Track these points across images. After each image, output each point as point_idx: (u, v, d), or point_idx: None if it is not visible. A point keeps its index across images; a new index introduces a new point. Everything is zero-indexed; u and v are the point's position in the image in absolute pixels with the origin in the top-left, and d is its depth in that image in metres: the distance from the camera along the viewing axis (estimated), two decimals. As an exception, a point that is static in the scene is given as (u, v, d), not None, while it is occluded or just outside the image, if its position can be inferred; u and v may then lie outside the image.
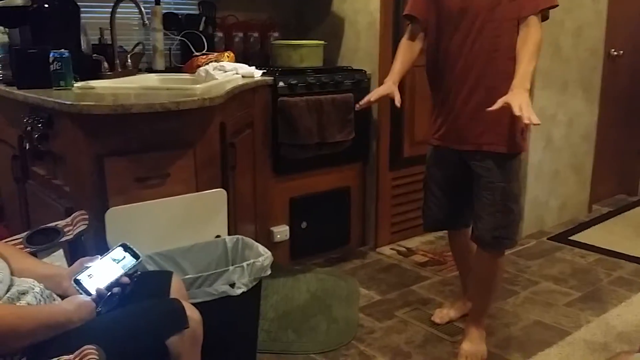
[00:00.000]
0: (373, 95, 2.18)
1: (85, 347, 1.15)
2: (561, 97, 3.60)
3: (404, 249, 3.30)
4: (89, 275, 1.37)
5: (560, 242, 3.47)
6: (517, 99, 1.82)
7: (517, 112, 1.80)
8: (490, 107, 1.88)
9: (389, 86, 2.17)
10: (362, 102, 2.19)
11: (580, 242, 3.46)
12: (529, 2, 1.95)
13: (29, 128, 1.95)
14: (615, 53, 4.03)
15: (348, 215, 3.21)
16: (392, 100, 2.14)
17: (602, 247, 3.36)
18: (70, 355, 1.15)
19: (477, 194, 2.13)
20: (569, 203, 3.84)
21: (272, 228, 2.89)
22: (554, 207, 3.72)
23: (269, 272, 1.83)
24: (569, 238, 3.52)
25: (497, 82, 2.00)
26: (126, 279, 1.39)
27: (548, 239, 3.52)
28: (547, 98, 3.49)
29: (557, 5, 2.00)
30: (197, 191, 1.98)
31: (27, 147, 2.01)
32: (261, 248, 1.94)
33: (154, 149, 1.88)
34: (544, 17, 2.01)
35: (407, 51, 2.25)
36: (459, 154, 2.17)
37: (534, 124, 1.81)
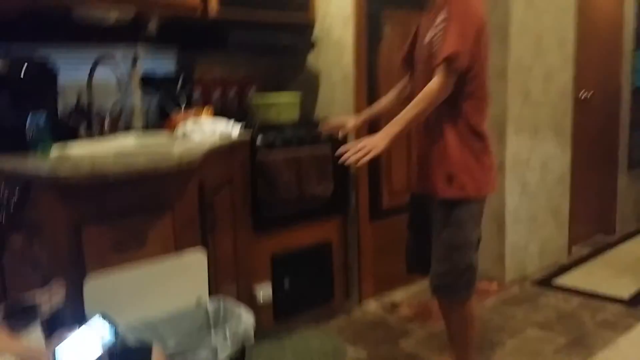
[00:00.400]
0: (331, 122, 2.45)
1: None
2: (533, 141, 3.66)
3: (388, 302, 3.27)
4: (67, 350, 1.33)
5: (543, 286, 3.47)
6: (365, 141, 1.94)
7: (341, 150, 1.93)
8: (434, 152, 2.07)
9: (348, 118, 2.41)
10: (321, 127, 2.45)
11: (563, 285, 3.47)
12: (441, 49, 2.00)
13: (5, 196, 1.93)
14: (585, 95, 4.13)
15: (331, 270, 3.17)
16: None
17: (585, 290, 3.37)
18: None
19: (430, 233, 2.19)
20: (549, 246, 3.87)
21: (254, 287, 2.84)
22: (534, 251, 3.74)
23: (252, 340, 1.80)
24: (552, 282, 3.53)
25: (438, 129, 2.10)
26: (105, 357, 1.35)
27: (531, 284, 3.53)
28: (520, 143, 3.55)
29: (459, 53, 1.98)
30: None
31: (4, 216, 1.97)
32: (243, 310, 1.90)
33: (132, 214, 1.86)
34: (456, 68, 2.00)
35: (392, 93, 2.43)
36: (421, 198, 2.25)
37: (350, 164, 1.92)
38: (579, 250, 4.11)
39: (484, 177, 2.14)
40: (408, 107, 1.99)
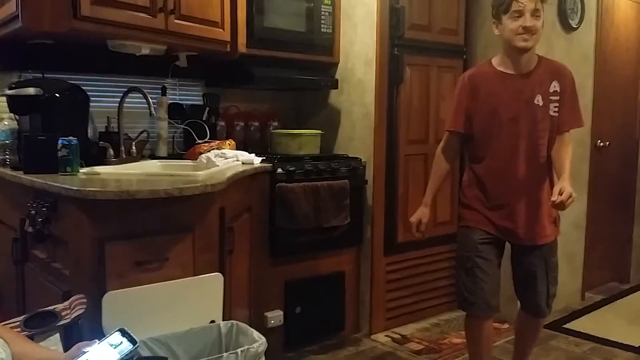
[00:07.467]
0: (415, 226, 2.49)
1: None
2: (550, 186, 3.68)
3: (398, 336, 3.29)
4: (85, 362, 1.38)
5: (554, 330, 3.45)
6: (565, 188, 2.10)
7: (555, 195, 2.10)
8: (539, 205, 2.30)
9: (423, 212, 2.49)
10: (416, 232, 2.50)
11: (574, 330, 3.45)
12: (570, 120, 2.34)
13: (32, 211, 2.00)
14: (602, 144, 4.16)
15: (343, 301, 3.21)
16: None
17: (596, 336, 3.34)
18: None
19: (535, 272, 2.40)
20: (562, 291, 3.82)
21: (266, 313, 2.89)
22: (547, 294, 3.72)
23: (263, 359, 1.83)
24: (563, 326, 3.51)
25: (542, 180, 2.33)
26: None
27: (542, 327, 3.50)
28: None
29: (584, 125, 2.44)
30: (195, 275, 2.01)
31: (30, 230, 2.05)
32: (255, 334, 1.94)
33: (155, 233, 1.92)
34: None
35: (443, 163, 2.48)
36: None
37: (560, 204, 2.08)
38: (592, 297, 4.08)
39: None
40: (565, 160, 2.26)
